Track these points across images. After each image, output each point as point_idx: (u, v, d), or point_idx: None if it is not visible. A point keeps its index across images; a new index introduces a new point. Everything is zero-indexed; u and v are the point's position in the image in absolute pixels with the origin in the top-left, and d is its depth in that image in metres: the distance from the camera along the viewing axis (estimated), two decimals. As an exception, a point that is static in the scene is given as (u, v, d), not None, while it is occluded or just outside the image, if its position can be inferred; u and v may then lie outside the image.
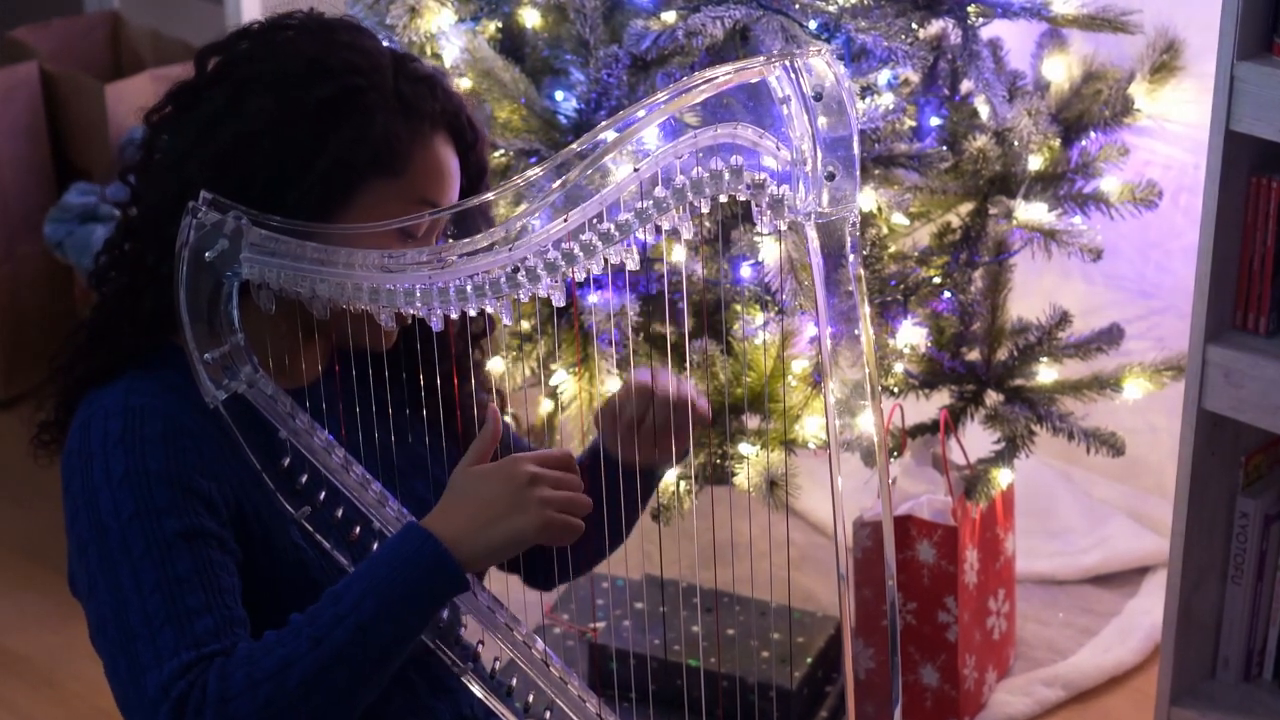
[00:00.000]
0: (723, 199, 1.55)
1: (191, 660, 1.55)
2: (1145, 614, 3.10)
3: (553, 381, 2.60)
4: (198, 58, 1.76)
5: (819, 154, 1.49)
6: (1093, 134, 2.73)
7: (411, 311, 1.66)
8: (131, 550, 1.60)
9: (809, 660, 2.82)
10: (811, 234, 1.51)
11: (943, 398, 2.78)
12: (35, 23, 3.87)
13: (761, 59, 1.50)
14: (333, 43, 1.73)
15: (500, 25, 2.75)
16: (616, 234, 1.57)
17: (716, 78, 1.51)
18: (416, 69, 1.76)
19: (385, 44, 1.80)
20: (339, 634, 1.57)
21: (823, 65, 1.49)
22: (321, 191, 1.69)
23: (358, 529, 1.74)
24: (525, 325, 2.57)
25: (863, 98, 2.51)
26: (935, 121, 2.66)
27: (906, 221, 2.68)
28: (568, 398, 2.58)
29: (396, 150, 1.71)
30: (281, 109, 1.69)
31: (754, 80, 1.50)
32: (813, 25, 2.51)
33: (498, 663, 1.76)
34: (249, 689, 1.54)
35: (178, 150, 1.72)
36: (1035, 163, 2.68)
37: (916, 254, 2.69)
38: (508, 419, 1.97)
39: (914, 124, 2.60)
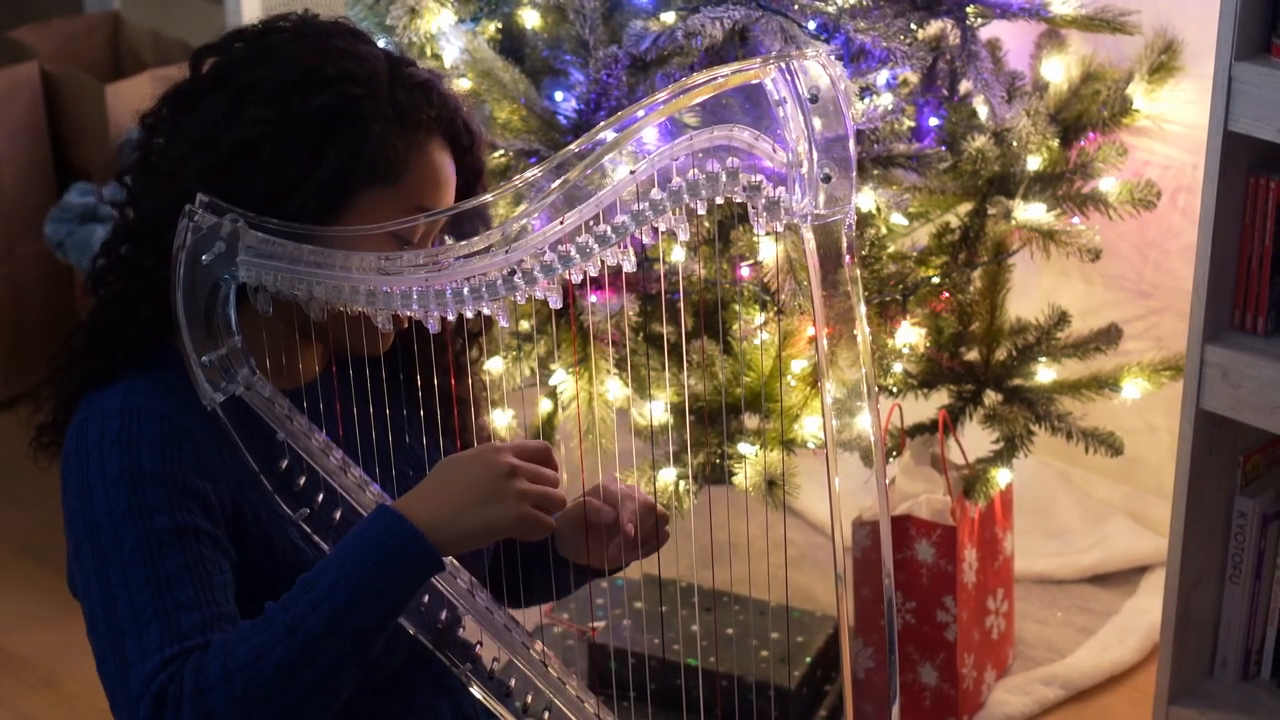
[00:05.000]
0: (719, 201, 1.55)
1: (173, 655, 1.55)
2: (1144, 613, 3.10)
3: (552, 381, 2.60)
4: (192, 59, 1.76)
5: (815, 156, 1.48)
6: (1091, 134, 2.74)
7: (409, 314, 1.66)
8: (122, 547, 1.60)
9: (808, 660, 2.82)
10: (808, 236, 1.51)
11: (942, 397, 2.78)
12: (36, 23, 3.88)
13: (758, 61, 1.51)
14: (329, 49, 1.73)
15: (500, 26, 2.76)
16: (613, 236, 1.57)
17: (714, 79, 1.52)
18: (412, 74, 1.75)
19: (383, 45, 1.80)
20: (313, 621, 1.56)
21: (818, 67, 1.49)
22: (319, 200, 1.69)
23: (356, 530, 1.74)
24: (525, 325, 2.57)
25: (861, 98, 2.51)
26: (934, 122, 2.66)
27: (905, 222, 2.68)
28: (567, 398, 2.58)
29: (392, 160, 1.70)
30: (279, 119, 1.68)
31: (750, 82, 1.50)
32: (811, 26, 2.51)
33: (496, 663, 1.77)
34: (225, 679, 1.53)
35: (175, 156, 1.72)
36: (1034, 163, 2.68)
37: (915, 254, 2.69)
38: (504, 418, 1.98)
39: (913, 124, 2.60)
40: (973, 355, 2.76)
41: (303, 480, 1.73)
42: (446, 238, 1.76)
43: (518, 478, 1.63)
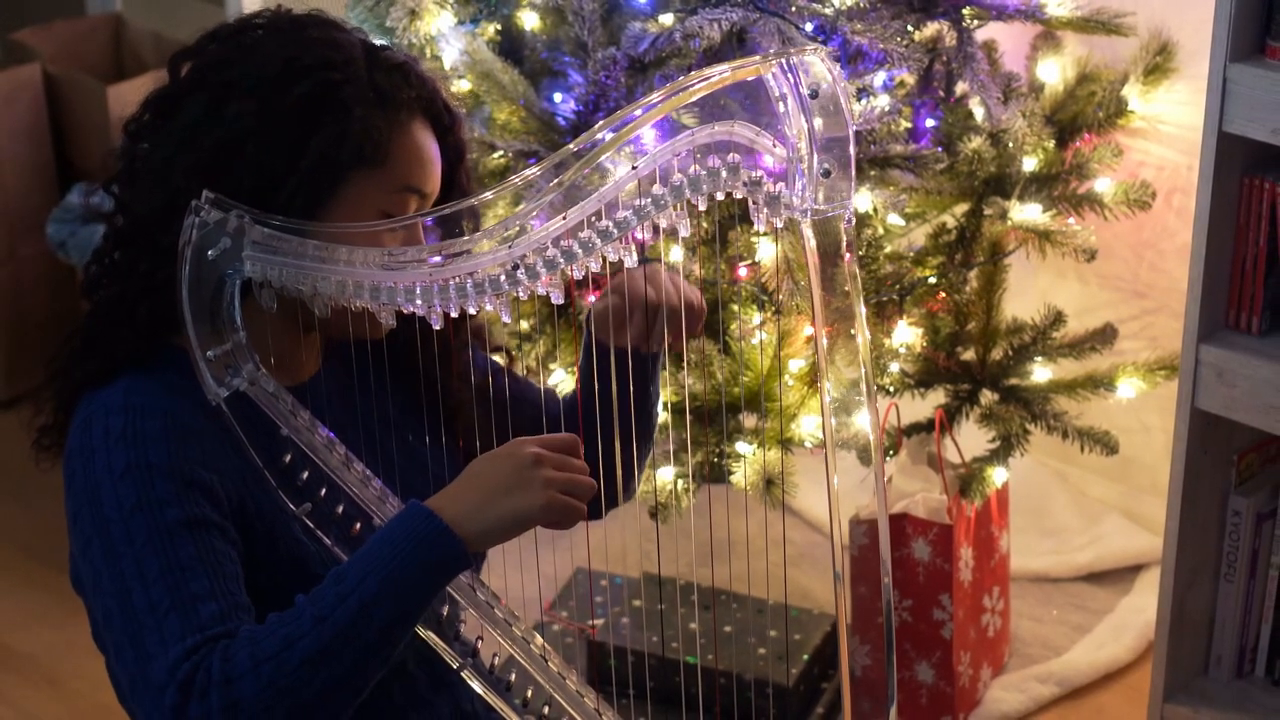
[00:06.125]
0: (719, 196, 1.56)
1: (196, 644, 1.56)
2: (1139, 611, 3.11)
3: (552, 381, 2.61)
4: (170, 64, 1.77)
5: (815, 151, 1.50)
6: (1087, 135, 2.75)
7: (412, 309, 1.67)
8: (134, 541, 1.60)
9: (805, 657, 2.83)
10: (807, 232, 1.52)
11: (938, 397, 2.79)
12: (38, 25, 3.89)
13: (758, 58, 1.52)
14: (305, 39, 1.74)
15: (499, 27, 2.77)
16: (615, 231, 1.58)
17: (713, 76, 1.53)
18: (389, 57, 1.77)
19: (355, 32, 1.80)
20: (341, 613, 1.57)
21: (818, 63, 1.51)
22: (308, 189, 1.70)
23: (358, 525, 1.75)
24: (525, 325, 2.58)
25: (859, 99, 2.52)
26: (930, 123, 2.68)
27: (902, 222, 2.69)
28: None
29: (377, 141, 1.72)
30: (262, 112, 1.69)
31: (750, 79, 1.52)
32: (809, 27, 2.53)
33: (496, 658, 1.77)
34: (252, 669, 1.54)
35: (161, 159, 1.72)
36: (1030, 164, 2.69)
37: (912, 254, 2.71)
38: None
39: (909, 125, 2.62)
40: (969, 355, 2.77)
41: (306, 475, 1.74)
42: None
43: (543, 466, 1.64)
